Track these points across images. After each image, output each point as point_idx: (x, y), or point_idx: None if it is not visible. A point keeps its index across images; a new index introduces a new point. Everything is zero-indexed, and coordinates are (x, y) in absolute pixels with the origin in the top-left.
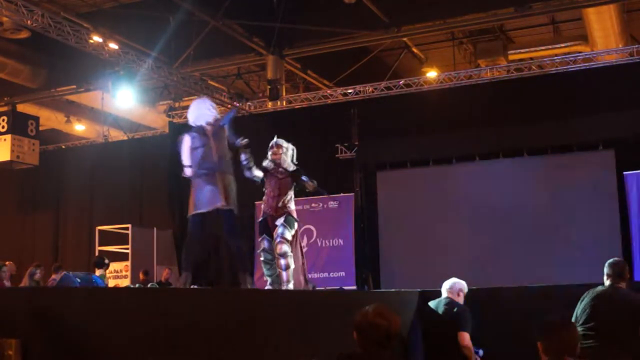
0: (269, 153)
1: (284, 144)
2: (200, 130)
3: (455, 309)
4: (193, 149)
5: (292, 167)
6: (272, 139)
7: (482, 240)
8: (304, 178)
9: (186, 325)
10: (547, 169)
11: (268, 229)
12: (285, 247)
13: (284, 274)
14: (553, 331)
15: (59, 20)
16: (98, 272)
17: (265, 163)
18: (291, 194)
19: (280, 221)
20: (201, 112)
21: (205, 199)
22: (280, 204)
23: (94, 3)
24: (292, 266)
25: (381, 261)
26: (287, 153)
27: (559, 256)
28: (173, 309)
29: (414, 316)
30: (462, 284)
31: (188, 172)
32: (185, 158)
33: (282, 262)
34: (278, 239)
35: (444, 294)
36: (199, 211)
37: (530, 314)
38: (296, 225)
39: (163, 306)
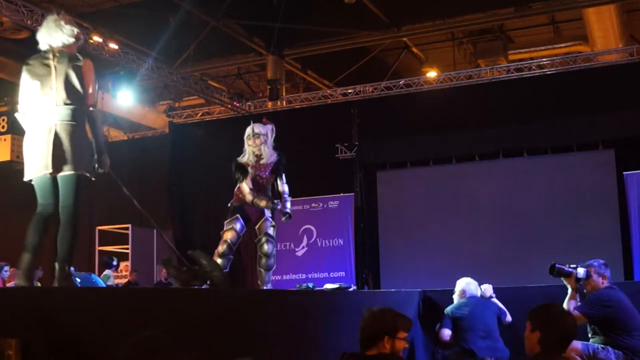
0: (247, 144)
1: (262, 130)
2: (43, 57)
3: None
4: (31, 85)
5: (273, 157)
6: (273, 139)
7: (482, 240)
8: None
9: (186, 325)
10: (547, 169)
11: (244, 212)
12: (272, 247)
13: (265, 274)
14: (553, 318)
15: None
16: (106, 272)
17: (245, 157)
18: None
19: (267, 214)
20: (49, 31)
21: (31, 160)
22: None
23: (94, 3)
24: (275, 267)
25: (381, 261)
26: (268, 141)
27: (559, 256)
28: (173, 309)
29: (415, 316)
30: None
31: (20, 115)
32: (22, 96)
33: (265, 261)
34: (264, 238)
35: (470, 294)
36: (27, 179)
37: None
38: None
39: (163, 306)
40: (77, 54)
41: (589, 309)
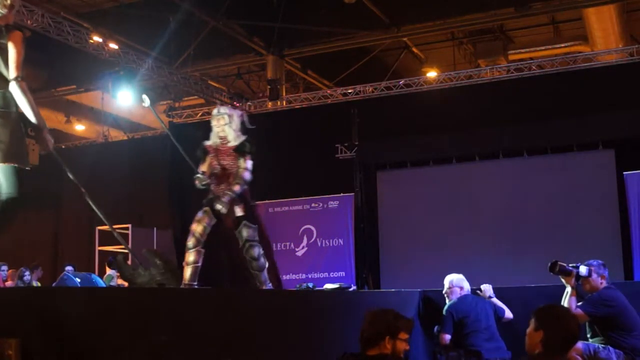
0: (212, 125)
1: (228, 111)
2: None
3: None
4: None
5: (238, 139)
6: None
7: (482, 240)
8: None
9: (185, 325)
10: (547, 169)
11: (213, 203)
12: (258, 250)
13: (261, 274)
14: (558, 320)
15: (59, 20)
16: (110, 273)
17: (210, 139)
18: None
19: (238, 212)
20: None
21: None
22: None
23: (94, 3)
24: (267, 265)
25: (381, 261)
26: (232, 123)
27: (559, 256)
28: (173, 309)
29: (415, 316)
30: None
31: None
32: None
33: (255, 264)
34: (247, 244)
35: (467, 291)
36: None
37: (530, 314)
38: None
39: (163, 306)
40: (3, 28)
41: (591, 308)
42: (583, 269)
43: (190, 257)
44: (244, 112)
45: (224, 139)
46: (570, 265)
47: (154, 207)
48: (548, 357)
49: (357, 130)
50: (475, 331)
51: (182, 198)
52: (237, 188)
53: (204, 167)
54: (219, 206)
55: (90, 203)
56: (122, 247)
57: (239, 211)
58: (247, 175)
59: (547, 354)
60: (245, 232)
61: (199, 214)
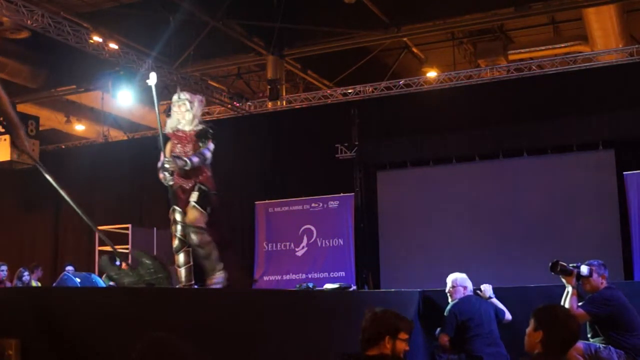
0: (172, 111)
1: (189, 97)
2: None
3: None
4: None
5: (199, 125)
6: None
7: (482, 240)
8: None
9: (185, 325)
10: (547, 169)
11: (178, 200)
12: (201, 236)
13: (209, 261)
14: (557, 320)
15: (59, 20)
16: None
17: (169, 124)
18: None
19: (192, 200)
20: None
21: None
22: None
23: (94, 3)
24: (215, 252)
25: (381, 261)
26: (194, 109)
27: (559, 256)
28: (172, 309)
29: (415, 316)
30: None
31: None
32: None
33: (200, 251)
34: (191, 229)
35: (470, 291)
36: None
37: (530, 314)
38: (209, 209)
39: (163, 306)
40: None
41: (593, 307)
42: (584, 269)
43: (180, 259)
44: (204, 98)
45: (183, 125)
46: (570, 265)
47: (154, 207)
48: (547, 357)
49: (357, 130)
50: (478, 335)
51: None
52: (195, 159)
53: (166, 154)
54: (160, 164)
55: (72, 204)
56: (124, 247)
57: (193, 197)
58: (207, 153)
59: (547, 354)
60: (191, 215)
61: (171, 215)
